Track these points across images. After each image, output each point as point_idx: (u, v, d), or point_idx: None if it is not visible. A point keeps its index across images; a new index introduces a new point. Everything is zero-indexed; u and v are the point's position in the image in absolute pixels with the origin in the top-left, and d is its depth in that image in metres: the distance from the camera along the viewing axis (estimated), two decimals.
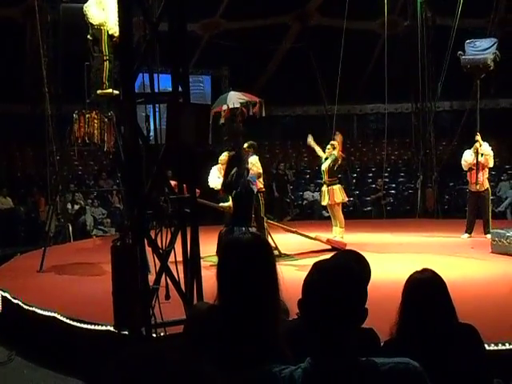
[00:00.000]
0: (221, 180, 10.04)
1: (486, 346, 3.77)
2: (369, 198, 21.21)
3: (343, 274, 1.99)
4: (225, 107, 11.86)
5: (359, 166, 24.22)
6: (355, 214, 20.06)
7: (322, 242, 12.08)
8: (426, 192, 19.50)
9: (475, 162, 13.66)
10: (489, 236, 12.37)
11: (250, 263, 2.48)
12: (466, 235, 13.49)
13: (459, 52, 14.15)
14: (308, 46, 22.12)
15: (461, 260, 10.69)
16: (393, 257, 11.12)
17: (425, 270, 3.29)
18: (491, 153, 13.76)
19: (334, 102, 15.97)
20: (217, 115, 11.76)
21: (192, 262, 6.02)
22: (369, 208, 20.87)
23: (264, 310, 2.45)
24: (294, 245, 12.10)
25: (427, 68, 19.11)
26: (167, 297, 5.93)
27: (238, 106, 11.90)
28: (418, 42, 19.02)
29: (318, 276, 1.97)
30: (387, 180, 22.38)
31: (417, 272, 3.30)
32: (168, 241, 5.85)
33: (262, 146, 26.15)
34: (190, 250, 6.04)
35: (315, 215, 19.89)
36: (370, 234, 14.18)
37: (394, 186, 22.65)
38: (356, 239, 12.75)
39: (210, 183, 11.28)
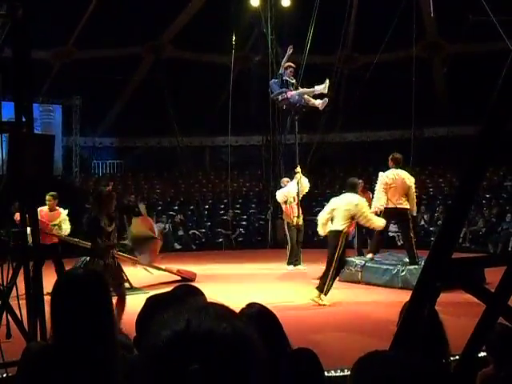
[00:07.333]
0: None
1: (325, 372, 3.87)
2: (220, 230, 21.31)
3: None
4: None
5: (211, 198, 24.34)
6: (206, 246, 20.16)
7: (172, 272, 12.04)
8: (276, 223, 19.91)
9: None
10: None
11: (82, 299, 2.44)
12: None
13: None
14: (161, 78, 22.12)
15: (307, 288, 10.96)
16: (240, 288, 11.14)
17: (252, 304, 3.26)
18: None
19: (187, 133, 16.03)
20: None
21: (34, 299, 5.78)
22: (220, 240, 20.92)
23: (99, 346, 2.40)
24: (145, 277, 11.94)
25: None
26: (8, 336, 5.69)
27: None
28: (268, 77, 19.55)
29: (149, 312, 1.96)
30: (238, 211, 22.66)
31: (245, 307, 3.27)
32: (10, 277, 5.61)
33: (115, 176, 25.84)
34: (32, 285, 5.81)
35: (168, 247, 19.75)
36: (219, 266, 14.31)
37: (245, 217, 22.92)
38: (206, 271, 12.83)
39: None
